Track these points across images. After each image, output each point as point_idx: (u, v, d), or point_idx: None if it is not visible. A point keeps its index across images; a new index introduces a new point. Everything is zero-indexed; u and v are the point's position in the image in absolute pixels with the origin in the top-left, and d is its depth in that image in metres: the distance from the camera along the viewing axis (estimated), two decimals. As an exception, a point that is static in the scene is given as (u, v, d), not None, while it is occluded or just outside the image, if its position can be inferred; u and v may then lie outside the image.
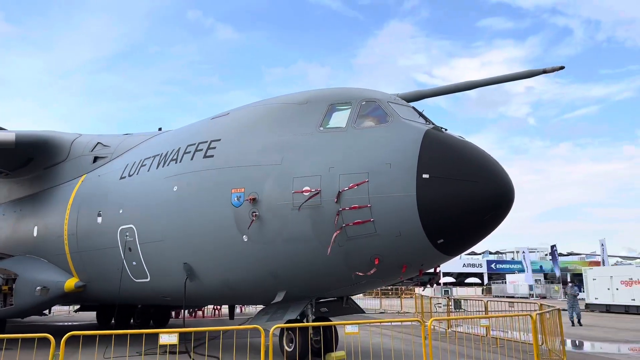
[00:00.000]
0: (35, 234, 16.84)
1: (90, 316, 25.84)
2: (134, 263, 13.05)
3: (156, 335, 8.45)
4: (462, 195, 9.26)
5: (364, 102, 10.79)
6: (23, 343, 8.54)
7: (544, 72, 11.00)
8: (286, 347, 11.36)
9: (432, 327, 10.45)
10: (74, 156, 16.83)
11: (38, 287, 15.07)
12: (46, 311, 31.54)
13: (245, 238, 10.66)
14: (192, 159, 12.05)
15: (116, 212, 13.60)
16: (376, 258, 9.83)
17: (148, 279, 13.00)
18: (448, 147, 9.76)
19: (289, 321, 11.03)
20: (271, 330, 8.55)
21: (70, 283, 15.05)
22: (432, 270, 12.35)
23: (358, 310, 12.70)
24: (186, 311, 27.31)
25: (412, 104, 11.99)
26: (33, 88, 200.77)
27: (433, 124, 10.88)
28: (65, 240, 15.25)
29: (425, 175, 9.38)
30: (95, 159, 16.13)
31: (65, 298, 15.80)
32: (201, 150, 11.95)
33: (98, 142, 16.55)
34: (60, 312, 32.21)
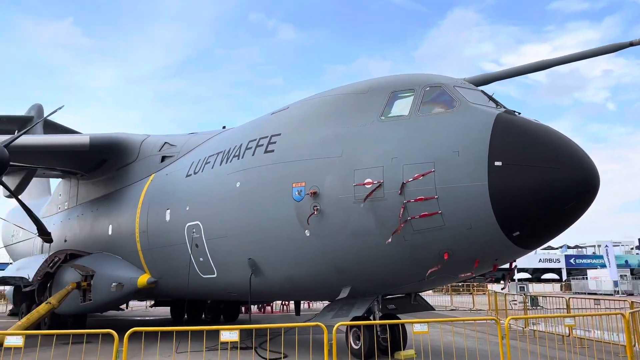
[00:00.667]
0: (110, 232, 17.53)
1: (165, 311, 26.79)
2: (201, 259, 13.20)
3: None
4: (540, 183, 8.51)
5: (428, 88, 10.22)
6: (95, 338, 8.73)
7: (631, 44, 9.90)
8: (352, 345, 11.03)
9: (509, 325, 9.73)
10: (143, 156, 17.35)
11: (113, 283, 15.65)
12: (123, 306, 33.31)
13: (307, 233, 10.43)
14: (253, 154, 11.97)
15: (183, 210, 13.82)
16: (445, 252, 9.27)
17: (215, 275, 13.10)
18: (522, 131, 9.01)
19: (354, 318, 10.69)
20: (334, 327, 8.25)
21: (143, 279, 15.50)
22: (506, 265, 11.54)
23: (427, 307, 12.13)
24: (255, 307, 27.72)
25: (480, 88, 11.25)
26: (110, 95, 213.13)
27: (504, 107, 10.13)
28: (137, 238, 15.73)
29: (497, 163, 8.70)
30: (163, 158, 16.52)
31: (139, 294, 16.32)
32: (262, 145, 11.85)
33: (165, 142, 16.95)
34: (139, 307, 33.68)
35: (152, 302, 25.65)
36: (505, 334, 8.57)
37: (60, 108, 14.42)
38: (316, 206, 10.20)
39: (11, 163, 13.17)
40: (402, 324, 11.16)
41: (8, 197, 18.66)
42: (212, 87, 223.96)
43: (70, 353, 9.47)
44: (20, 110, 29.77)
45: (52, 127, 26.28)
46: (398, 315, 11.69)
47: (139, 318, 26.45)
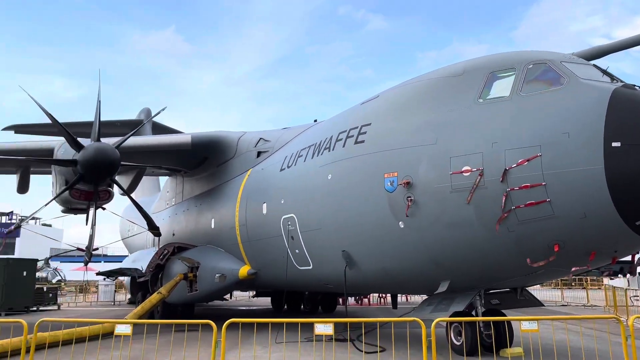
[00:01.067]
0: (212, 225, 18.36)
1: (266, 301, 27.73)
2: (297, 251, 13.34)
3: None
4: None
5: (530, 66, 9.40)
6: (197, 327, 9.11)
7: None
8: (454, 341, 10.54)
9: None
10: (240, 153, 17.95)
11: (217, 274, 16.37)
12: (228, 296, 34.88)
13: (401, 224, 10.08)
14: (344, 146, 11.83)
15: (278, 203, 14.05)
16: (555, 244, 8.50)
17: (310, 267, 13.18)
18: None
19: (455, 314, 10.22)
20: (433, 323, 7.88)
21: (244, 270, 16.04)
22: (628, 257, 10.41)
23: (535, 302, 11.28)
24: (352, 298, 27.73)
25: (591, 62, 10.16)
26: (211, 97, 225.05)
27: (621, 81, 9.05)
28: (237, 231, 16.30)
29: (615, 144, 7.78)
30: (259, 153, 16.95)
31: (240, 284, 16.92)
32: (352, 136, 11.66)
33: (260, 138, 17.38)
34: (242, 297, 35.24)
35: (254, 293, 26.66)
36: (630, 334, 7.65)
37: (163, 109, 15.30)
38: (410, 197, 9.82)
39: (122, 163, 14.19)
40: (507, 321, 10.46)
41: (122, 194, 20.20)
42: (304, 83, 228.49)
43: (173, 342, 9.97)
44: (132, 116, 32.42)
45: (159, 129, 28.18)
46: (502, 311, 11.00)
47: (243, 308, 27.59)
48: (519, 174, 8.53)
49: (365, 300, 29.73)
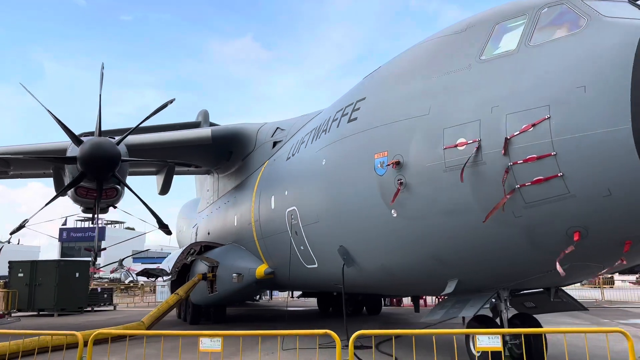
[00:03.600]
0: (235, 223, 17.49)
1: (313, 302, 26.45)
2: (302, 247, 12.03)
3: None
4: None
5: (545, 9, 7.46)
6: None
7: None
8: (473, 351, 8.76)
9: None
10: (259, 144, 16.94)
11: (234, 274, 15.43)
12: (267, 296, 33.85)
13: (394, 213, 8.46)
14: (338, 126, 10.35)
15: (283, 195, 12.83)
16: (575, 231, 6.58)
17: (316, 265, 11.82)
18: None
19: (478, 317, 8.51)
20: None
21: (261, 270, 14.98)
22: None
23: (575, 305, 9.18)
24: (387, 299, 25.61)
25: None
26: (292, 100, 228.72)
27: (663, 16, 6.90)
28: (253, 228, 15.28)
29: None
30: (274, 144, 15.83)
31: (261, 285, 15.87)
32: (347, 114, 10.15)
33: (277, 127, 16.26)
34: (284, 298, 33.61)
35: (299, 293, 25.56)
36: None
37: (171, 101, 14.54)
38: (400, 179, 8.19)
39: (123, 158, 13.61)
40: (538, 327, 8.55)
41: (160, 194, 19.77)
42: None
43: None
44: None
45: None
46: (534, 315, 9.09)
47: (292, 308, 26.54)
48: (523, 143, 6.67)
49: (405, 299, 27.59)
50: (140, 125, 14.25)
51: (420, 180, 7.92)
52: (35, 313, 24.61)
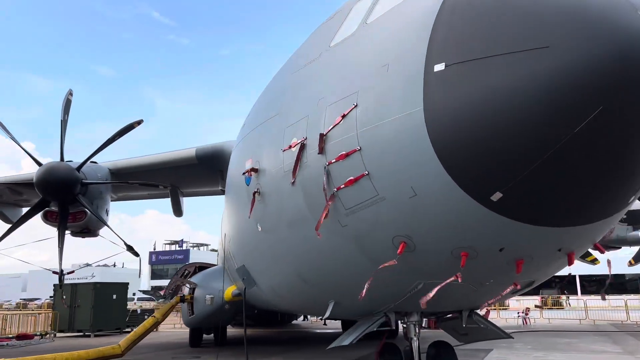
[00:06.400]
0: (223, 242, 17.14)
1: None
2: (235, 267, 11.33)
3: None
4: (522, 87, 4.08)
5: None
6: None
7: None
8: None
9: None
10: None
11: (207, 296, 14.99)
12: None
13: (259, 227, 7.61)
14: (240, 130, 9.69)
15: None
16: (401, 242, 5.36)
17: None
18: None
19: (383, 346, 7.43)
20: None
21: (229, 292, 14.36)
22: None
23: (497, 333, 7.67)
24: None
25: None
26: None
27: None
28: (223, 245, 14.81)
29: (438, 66, 4.59)
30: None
31: (235, 306, 15.23)
32: (244, 125, 9.47)
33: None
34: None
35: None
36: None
37: (139, 122, 14.62)
38: (257, 189, 7.34)
39: (84, 181, 13.79)
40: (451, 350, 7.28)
41: (176, 215, 19.98)
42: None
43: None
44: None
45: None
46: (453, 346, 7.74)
47: (317, 330, 25.60)
48: (336, 139, 5.64)
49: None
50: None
51: (269, 188, 7.08)
52: (74, 334, 25.82)
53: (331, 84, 6.10)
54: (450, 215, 4.84)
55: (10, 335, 22.77)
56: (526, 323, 26.57)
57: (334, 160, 5.57)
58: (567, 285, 67.55)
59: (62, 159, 13.85)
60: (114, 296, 26.87)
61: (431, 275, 5.48)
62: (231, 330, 23.08)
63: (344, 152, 5.45)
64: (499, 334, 7.62)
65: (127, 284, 28.14)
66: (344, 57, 6.20)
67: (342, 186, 5.51)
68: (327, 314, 7.39)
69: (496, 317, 32.67)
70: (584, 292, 61.60)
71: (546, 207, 4.47)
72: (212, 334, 18.88)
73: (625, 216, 18.45)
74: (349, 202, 5.55)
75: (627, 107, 3.77)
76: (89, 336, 25.02)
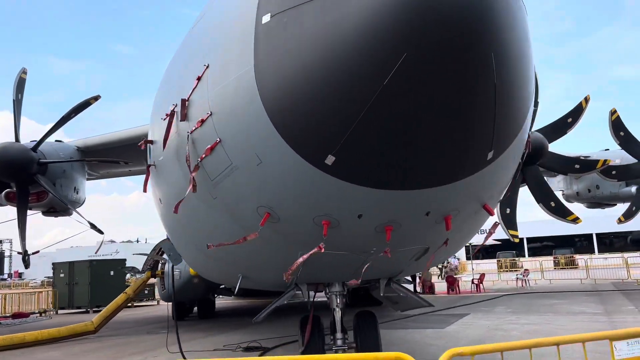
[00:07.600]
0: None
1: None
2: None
3: None
4: (332, 36, 3.56)
5: None
6: None
7: None
8: None
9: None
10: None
11: (176, 271, 14.88)
12: None
13: (160, 201, 7.34)
14: None
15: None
16: (265, 212, 4.95)
17: None
18: None
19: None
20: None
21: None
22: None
23: (418, 302, 7.29)
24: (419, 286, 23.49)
25: None
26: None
27: None
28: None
29: (265, 18, 4.06)
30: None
31: (202, 280, 15.07)
32: None
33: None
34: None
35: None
36: None
37: (96, 98, 14.30)
38: (153, 162, 7.12)
39: (42, 161, 13.60)
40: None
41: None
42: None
43: None
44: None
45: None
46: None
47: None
48: (194, 105, 5.24)
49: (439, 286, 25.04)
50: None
51: (157, 161, 6.88)
52: (74, 311, 26.32)
53: (195, 49, 5.67)
54: (298, 183, 4.41)
55: (7, 315, 23.26)
56: (524, 285, 26.16)
57: (195, 128, 5.14)
58: (586, 244, 66.73)
59: (17, 139, 13.67)
60: (112, 272, 27.21)
61: (305, 245, 5.07)
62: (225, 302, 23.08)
63: (200, 118, 5.01)
64: (419, 302, 7.25)
65: (124, 260, 28.44)
66: (205, 24, 5.73)
67: (203, 155, 5.09)
68: (237, 287, 7.11)
69: (497, 279, 32.30)
70: (601, 251, 60.78)
71: (381, 170, 4.00)
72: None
73: (614, 172, 17.63)
74: (212, 172, 5.15)
75: (432, 53, 3.23)
76: (87, 312, 25.47)
